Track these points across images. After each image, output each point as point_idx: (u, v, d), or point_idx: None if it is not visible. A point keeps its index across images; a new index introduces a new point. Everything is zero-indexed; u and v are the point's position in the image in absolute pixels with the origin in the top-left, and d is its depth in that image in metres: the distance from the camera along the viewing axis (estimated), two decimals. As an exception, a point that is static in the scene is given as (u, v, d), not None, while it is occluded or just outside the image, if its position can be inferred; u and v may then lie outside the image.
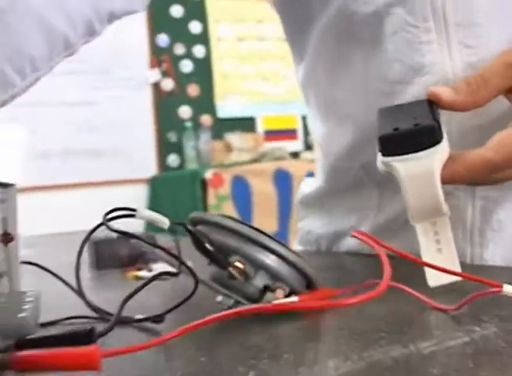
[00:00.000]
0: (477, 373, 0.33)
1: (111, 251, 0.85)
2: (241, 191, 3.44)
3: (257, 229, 0.49)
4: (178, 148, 3.99)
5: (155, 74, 3.94)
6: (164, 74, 3.99)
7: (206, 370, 0.36)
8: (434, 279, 0.51)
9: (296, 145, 4.32)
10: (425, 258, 0.51)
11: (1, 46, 0.55)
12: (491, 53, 0.59)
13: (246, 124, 4.19)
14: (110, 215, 0.44)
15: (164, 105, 3.97)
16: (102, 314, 0.47)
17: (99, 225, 0.43)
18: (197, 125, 4.04)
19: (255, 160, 3.80)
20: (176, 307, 0.46)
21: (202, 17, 4.16)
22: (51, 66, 0.62)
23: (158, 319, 0.45)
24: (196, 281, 0.46)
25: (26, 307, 0.32)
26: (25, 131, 3.17)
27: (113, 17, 0.67)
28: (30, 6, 0.58)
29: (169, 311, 0.45)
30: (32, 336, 0.31)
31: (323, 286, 0.52)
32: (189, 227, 0.47)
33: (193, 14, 4.13)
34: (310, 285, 0.51)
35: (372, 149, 0.67)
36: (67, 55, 0.63)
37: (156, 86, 3.96)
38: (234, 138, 4.00)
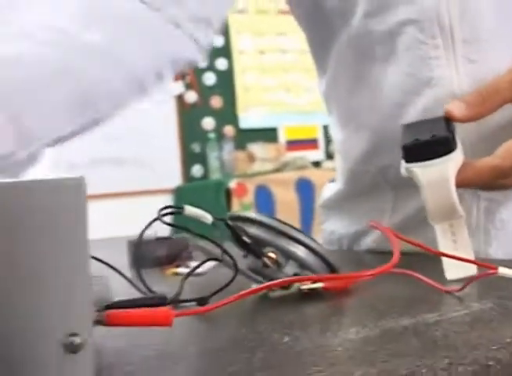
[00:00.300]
0: (471, 332, 0.40)
1: (150, 252, 0.93)
2: (264, 200, 3.52)
3: (287, 224, 0.56)
4: (201, 158, 4.08)
5: (179, 87, 4.04)
6: (188, 87, 4.09)
7: (248, 337, 0.44)
8: (451, 272, 0.58)
9: (317, 154, 4.40)
10: (443, 257, 0.58)
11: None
12: (496, 68, 0.66)
13: (268, 134, 4.27)
14: (163, 212, 0.51)
15: (188, 117, 4.07)
16: (158, 296, 0.54)
17: (154, 220, 0.51)
18: (220, 136, 4.12)
19: (278, 170, 3.88)
20: (219, 291, 0.53)
21: (224, 31, 4.26)
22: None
23: (203, 301, 0.52)
24: (236, 267, 0.53)
25: (101, 283, 0.39)
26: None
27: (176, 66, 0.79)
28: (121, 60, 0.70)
29: (213, 294, 0.53)
30: (117, 300, 0.39)
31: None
32: (229, 222, 0.55)
33: (216, 28, 4.22)
34: (333, 273, 0.58)
35: (386, 154, 0.75)
36: (142, 96, 0.76)
37: (180, 98, 4.06)
38: (257, 148, 4.08)
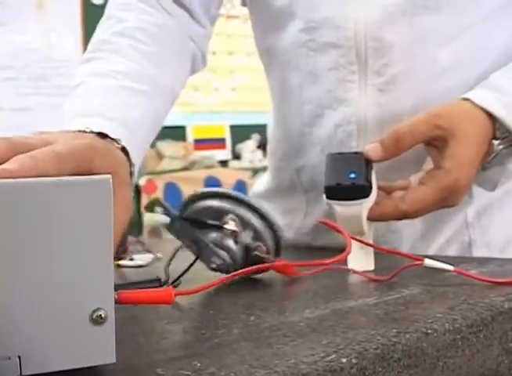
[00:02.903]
0: (406, 311, 0.49)
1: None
2: (173, 197, 3.57)
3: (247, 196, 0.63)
4: (110, 155, 4.06)
5: (88, 83, 4.02)
6: (97, 84, 4.08)
7: (217, 316, 0.51)
8: (353, 264, 0.67)
9: (224, 154, 4.48)
10: (350, 258, 0.67)
11: None
12: (399, 97, 0.77)
13: (176, 132, 4.30)
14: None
15: (97, 113, 4.05)
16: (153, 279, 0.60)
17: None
18: (129, 133, 4.12)
19: (186, 168, 3.94)
20: (186, 270, 0.60)
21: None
22: None
23: (177, 282, 0.58)
24: (198, 248, 0.59)
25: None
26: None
27: None
28: None
29: (182, 274, 0.58)
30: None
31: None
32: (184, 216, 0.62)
33: (126, 25, 4.22)
34: (278, 248, 0.65)
35: (302, 155, 0.84)
36: None
37: (89, 94, 4.04)
38: (165, 146, 4.11)
